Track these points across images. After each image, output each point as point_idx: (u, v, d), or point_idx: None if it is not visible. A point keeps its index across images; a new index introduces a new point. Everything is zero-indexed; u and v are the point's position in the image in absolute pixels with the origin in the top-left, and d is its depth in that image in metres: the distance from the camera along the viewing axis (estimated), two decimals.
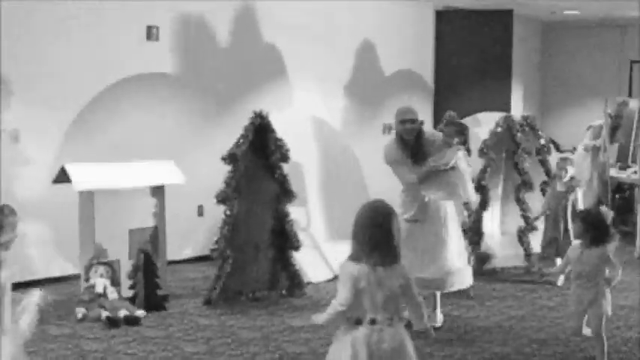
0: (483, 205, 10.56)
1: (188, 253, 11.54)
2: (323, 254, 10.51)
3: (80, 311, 8.51)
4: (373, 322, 4.73)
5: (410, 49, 14.86)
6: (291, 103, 12.70)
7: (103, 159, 9.65)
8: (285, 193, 9.57)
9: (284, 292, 9.66)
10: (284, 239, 9.64)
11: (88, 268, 8.92)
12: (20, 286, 9.62)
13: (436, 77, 15.36)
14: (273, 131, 9.45)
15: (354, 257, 4.79)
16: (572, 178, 10.14)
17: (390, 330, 4.73)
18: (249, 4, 12.17)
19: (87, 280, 8.87)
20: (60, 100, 10.19)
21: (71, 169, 8.94)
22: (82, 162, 9.35)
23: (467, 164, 8.35)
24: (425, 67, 15.22)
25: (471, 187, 8.36)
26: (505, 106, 14.36)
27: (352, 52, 13.85)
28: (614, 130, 13.17)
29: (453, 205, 8.45)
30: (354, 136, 13.27)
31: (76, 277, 9.32)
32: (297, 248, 9.67)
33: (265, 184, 9.51)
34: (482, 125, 11.31)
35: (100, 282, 8.76)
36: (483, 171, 10.51)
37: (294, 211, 9.90)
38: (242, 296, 9.40)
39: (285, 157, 9.50)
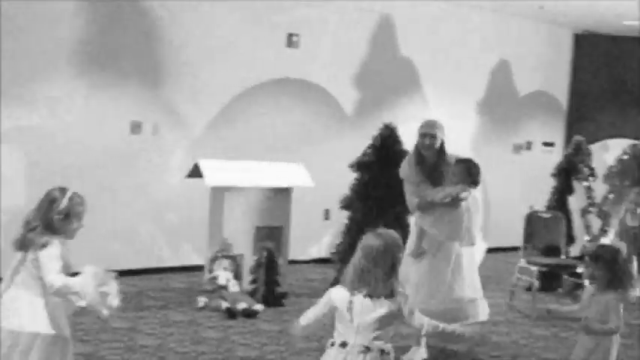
0: (603, 230, 10.56)
1: (311, 254, 11.86)
2: None
3: (202, 300, 8.93)
4: (343, 345, 4.61)
5: (546, 70, 14.85)
6: (423, 116, 12.88)
7: (235, 157, 10.07)
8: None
9: None
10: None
11: (212, 261, 9.31)
12: (151, 272, 10.27)
13: (570, 100, 15.28)
14: (399, 143, 9.67)
15: (345, 283, 4.69)
16: None
17: (361, 356, 4.55)
18: (388, 18, 12.43)
19: (211, 271, 9.25)
20: (199, 98, 10.70)
21: (204, 165, 9.33)
22: (216, 159, 9.79)
23: (477, 207, 7.53)
24: (560, 89, 15.19)
25: (475, 231, 7.49)
26: (638, 134, 14.27)
27: (488, 70, 13.95)
28: None
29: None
30: (484, 154, 13.35)
31: (201, 267, 9.74)
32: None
33: (389, 193, 9.71)
34: (610, 151, 11.30)
35: (223, 274, 9.15)
36: (606, 197, 10.52)
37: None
38: None
39: None
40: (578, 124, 14.60)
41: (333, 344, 4.67)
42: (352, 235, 9.54)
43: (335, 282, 9.54)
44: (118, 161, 10.12)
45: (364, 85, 12.30)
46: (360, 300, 4.60)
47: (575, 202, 11.17)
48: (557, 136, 15.05)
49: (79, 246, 9.67)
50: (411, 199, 7.59)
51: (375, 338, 4.58)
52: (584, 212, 10.89)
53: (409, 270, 7.31)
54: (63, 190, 4.92)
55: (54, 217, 4.80)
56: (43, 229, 4.78)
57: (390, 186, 9.66)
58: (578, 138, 11.14)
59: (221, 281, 9.09)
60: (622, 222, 9.61)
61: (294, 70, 11.53)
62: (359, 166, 9.58)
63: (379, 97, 12.40)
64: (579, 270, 9.88)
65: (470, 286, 7.52)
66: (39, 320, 4.70)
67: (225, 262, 9.28)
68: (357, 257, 4.68)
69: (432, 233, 7.42)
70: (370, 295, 4.58)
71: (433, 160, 7.51)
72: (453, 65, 13.20)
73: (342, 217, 10.27)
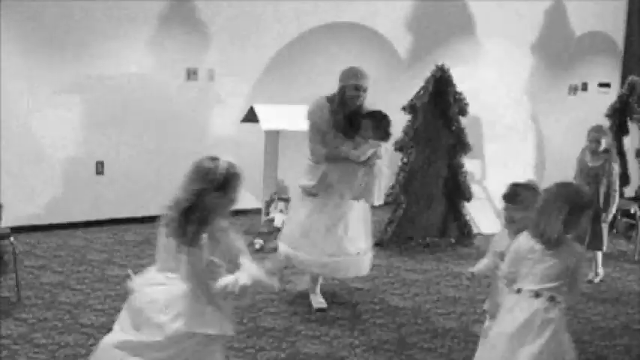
0: None
1: None
2: (495, 206, 10.65)
3: (258, 242, 9.09)
4: (518, 291, 4.67)
5: (601, 10, 14.63)
6: (477, 58, 12.86)
7: (290, 102, 10.16)
8: (460, 145, 9.78)
9: (453, 240, 9.94)
10: (457, 189, 9.91)
11: (268, 203, 9.47)
12: None
13: (627, 41, 15.08)
14: (452, 85, 9.67)
15: (532, 231, 4.67)
16: (606, 150, 8.34)
17: (529, 301, 4.60)
18: None
19: (267, 214, 9.42)
20: (254, 43, 10.78)
21: (259, 109, 9.48)
22: (270, 104, 9.89)
23: (386, 165, 7.24)
24: (616, 29, 15.00)
25: (382, 189, 7.14)
26: None
27: (542, 11, 13.82)
28: None
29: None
30: (538, 95, 13.32)
31: (257, 210, 9.89)
32: (468, 199, 9.93)
33: (442, 136, 9.75)
34: None
35: (279, 217, 9.31)
36: None
37: (469, 164, 10.12)
38: (412, 241, 9.74)
39: (463, 111, 9.68)
40: (635, 66, 14.42)
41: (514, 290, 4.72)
42: (405, 177, 9.65)
43: (389, 223, 9.72)
44: (174, 108, 10.27)
45: (418, 28, 12.28)
46: (536, 247, 4.62)
47: (630, 142, 11.14)
48: (614, 76, 14.89)
49: (139, 192, 9.85)
50: (317, 147, 6.95)
51: (548, 287, 4.59)
52: (639, 153, 10.86)
53: (298, 206, 7.23)
54: (215, 159, 4.29)
55: (210, 194, 4.16)
56: (199, 222, 4.12)
57: (442, 128, 9.74)
58: (633, 78, 11.05)
59: (277, 223, 9.24)
60: (581, 161, 8.51)
61: (347, 15, 11.55)
62: (412, 108, 9.61)
63: (433, 40, 12.36)
64: (633, 211, 9.90)
65: (359, 240, 7.13)
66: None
67: (281, 205, 9.43)
68: (539, 204, 4.68)
69: (338, 189, 6.98)
70: (548, 247, 4.59)
71: (352, 113, 6.94)
72: (507, 6, 13.09)
73: (395, 160, 10.32)
